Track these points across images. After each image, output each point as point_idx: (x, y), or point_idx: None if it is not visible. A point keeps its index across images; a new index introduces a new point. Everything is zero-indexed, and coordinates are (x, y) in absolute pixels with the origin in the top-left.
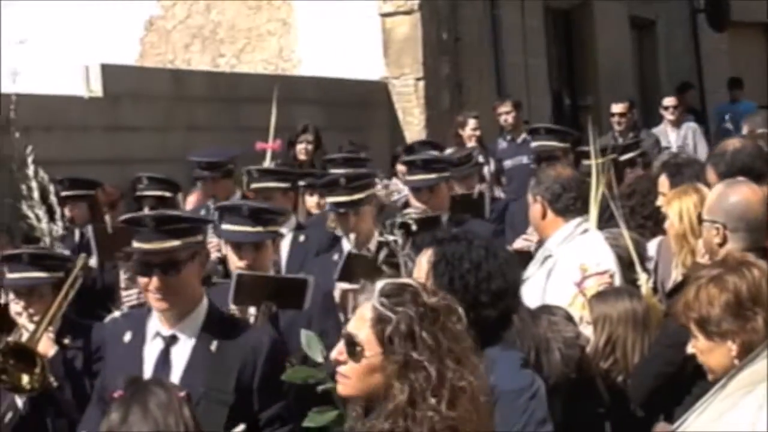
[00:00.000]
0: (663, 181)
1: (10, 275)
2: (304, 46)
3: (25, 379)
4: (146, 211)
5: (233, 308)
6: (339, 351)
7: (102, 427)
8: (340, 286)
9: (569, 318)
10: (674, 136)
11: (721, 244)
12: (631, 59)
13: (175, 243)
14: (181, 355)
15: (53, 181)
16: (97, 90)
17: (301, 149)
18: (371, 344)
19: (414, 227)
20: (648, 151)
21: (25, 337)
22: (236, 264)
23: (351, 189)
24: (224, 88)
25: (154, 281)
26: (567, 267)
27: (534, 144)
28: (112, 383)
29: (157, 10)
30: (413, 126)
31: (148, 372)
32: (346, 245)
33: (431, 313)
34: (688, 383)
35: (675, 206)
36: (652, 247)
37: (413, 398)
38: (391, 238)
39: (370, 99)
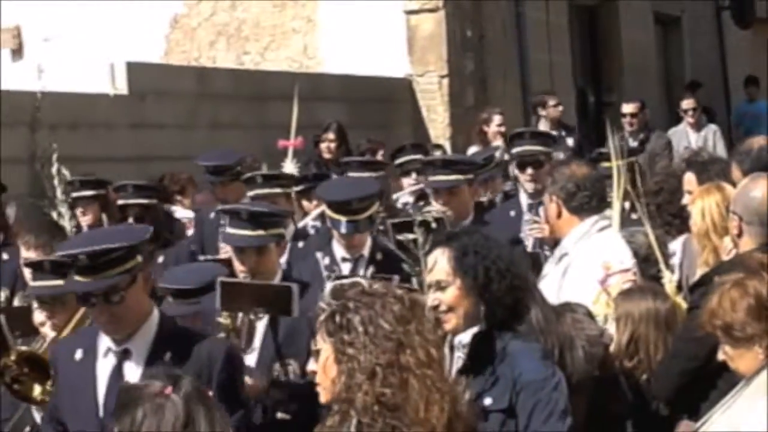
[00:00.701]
0: (690, 179)
1: (33, 283)
2: (329, 43)
3: (37, 390)
4: (130, 219)
5: (223, 314)
6: (311, 369)
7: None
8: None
9: (590, 315)
10: (695, 137)
11: (739, 236)
12: (655, 56)
13: (113, 272)
14: (135, 369)
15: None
16: (122, 87)
17: (325, 147)
18: (325, 347)
19: (434, 225)
20: (659, 153)
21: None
22: (239, 268)
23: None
24: (249, 85)
25: (97, 312)
26: (585, 265)
27: (517, 149)
28: (64, 402)
29: (182, 7)
30: (437, 123)
31: (101, 390)
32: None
33: (369, 297)
34: (713, 378)
35: (698, 205)
36: (677, 245)
37: (348, 383)
38: (410, 236)
39: (395, 96)
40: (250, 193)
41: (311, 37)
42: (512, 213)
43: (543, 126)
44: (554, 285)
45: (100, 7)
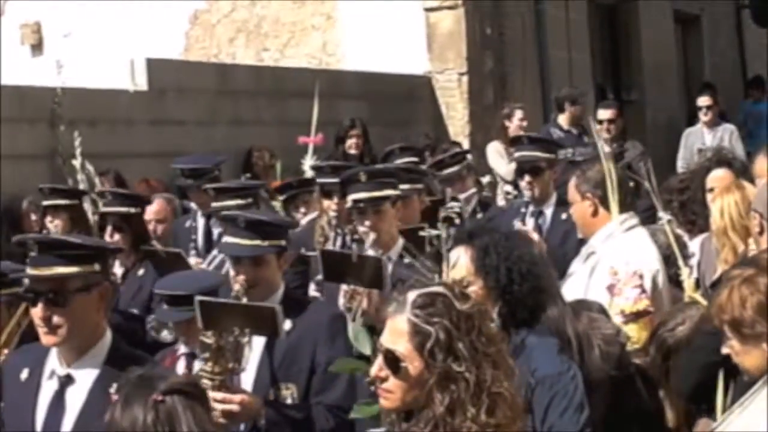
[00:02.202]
0: (714, 177)
1: None
2: (348, 40)
3: None
4: (109, 229)
5: (207, 334)
6: (379, 367)
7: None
8: (344, 288)
9: (605, 313)
10: (710, 137)
11: (760, 233)
12: (675, 54)
13: (63, 270)
14: (77, 398)
15: (99, 174)
16: (142, 84)
17: (352, 144)
18: (412, 358)
19: (457, 221)
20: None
21: None
22: (235, 280)
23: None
24: (269, 82)
25: (38, 311)
26: (612, 264)
27: (516, 154)
28: (8, 422)
29: (201, 4)
30: (456, 120)
31: (40, 416)
32: None
33: (466, 321)
34: (733, 372)
35: (717, 203)
36: (695, 245)
37: (453, 408)
38: (434, 232)
39: (414, 94)
40: (214, 204)
41: (331, 34)
42: (515, 222)
43: (562, 122)
44: (581, 284)
45: (120, 4)
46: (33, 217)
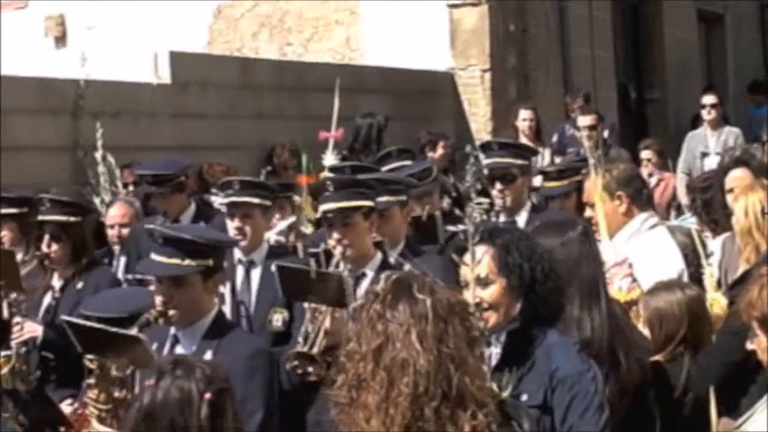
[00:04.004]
0: (733, 177)
1: None
2: (372, 36)
3: None
4: (46, 238)
5: (89, 357)
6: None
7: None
8: (305, 306)
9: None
10: (713, 141)
11: None
12: (698, 53)
13: None
14: None
15: (122, 167)
16: (165, 77)
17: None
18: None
19: (484, 217)
20: None
21: None
22: (155, 301)
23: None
24: (292, 76)
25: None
26: (637, 263)
27: (486, 161)
28: None
29: None
30: (479, 117)
31: None
32: None
33: None
34: (754, 373)
35: (741, 202)
36: (716, 245)
37: None
38: (461, 227)
39: (437, 90)
40: (224, 201)
41: (354, 30)
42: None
43: (581, 121)
44: None
45: None
46: None
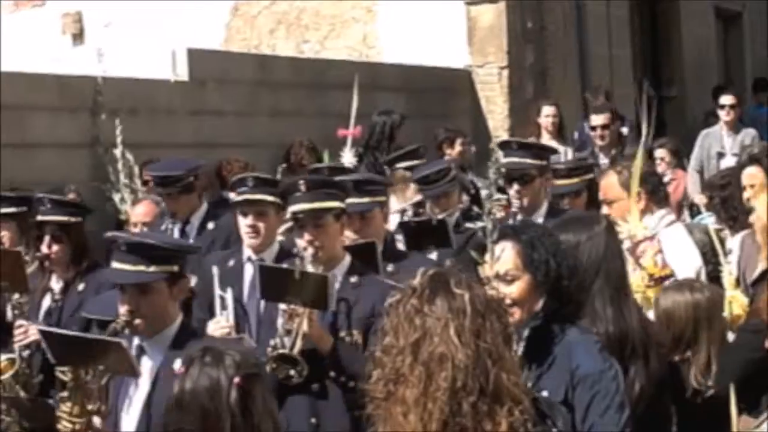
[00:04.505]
0: (747, 175)
1: None
2: (389, 33)
3: None
4: (47, 239)
5: (62, 369)
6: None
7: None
8: (282, 307)
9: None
10: (730, 141)
11: None
12: (716, 51)
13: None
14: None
15: (143, 164)
16: (182, 74)
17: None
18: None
19: (501, 214)
20: None
21: None
22: (119, 310)
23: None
24: (309, 73)
25: None
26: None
27: (504, 160)
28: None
29: None
30: (496, 115)
31: None
32: None
33: None
34: None
35: (761, 199)
36: (735, 243)
37: None
38: (479, 224)
39: (454, 87)
40: (237, 198)
41: (371, 27)
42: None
43: (594, 120)
44: None
45: None
46: None
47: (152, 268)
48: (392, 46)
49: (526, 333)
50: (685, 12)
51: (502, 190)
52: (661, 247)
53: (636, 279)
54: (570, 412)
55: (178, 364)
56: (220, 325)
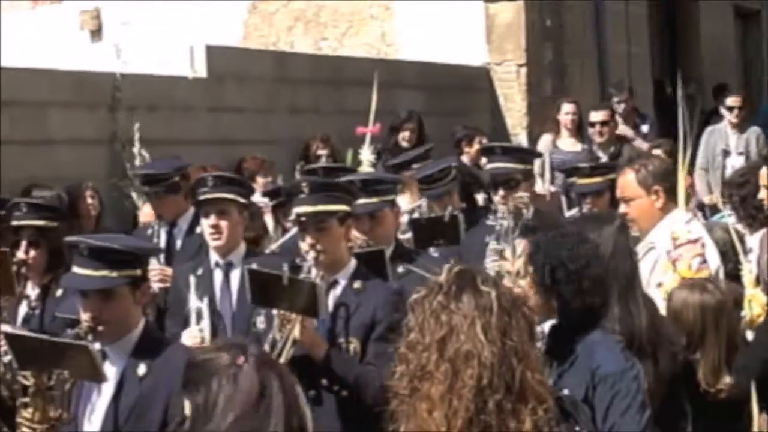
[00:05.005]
0: (763, 174)
1: None
2: (407, 31)
3: None
4: (23, 244)
5: (24, 374)
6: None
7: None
8: (274, 313)
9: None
10: (734, 139)
11: None
12: (734, 49)
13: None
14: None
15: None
16: (201, 71)
17: (404, 137)
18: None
19: (525, 211)
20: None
21: None
22: (81, 317)
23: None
24: (327, 70)
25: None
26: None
27: (489, 166)
28: None
29: None
30: (514, 112)
31: None
32: None
33: None
34: None
35: None
36: (754, 241)
37: None
38: (503, 222)
39: (472, 84)
40: (199, 198)
41: (389, 24)
42: (488, 239)
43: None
44: (642, 279)
45: None
46: (90, 201)
47: (115, 274)
48: (410, 44)
49: (546, 330)
50: (704, 10)
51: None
52: (702, 251)
53: (671, 282)
54: (591, 412)
55: (142, 369)
56: (192, 335)
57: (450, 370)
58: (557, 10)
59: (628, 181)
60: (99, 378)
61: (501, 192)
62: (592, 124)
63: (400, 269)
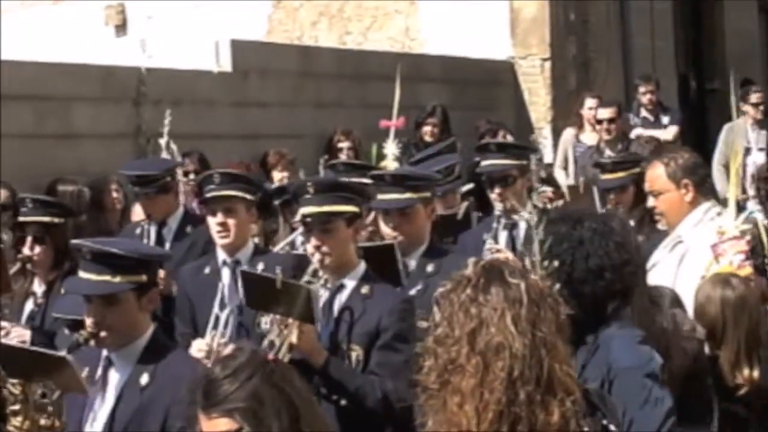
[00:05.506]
0: None
1: None
2: (431, 25)
3: None
4: (29, 240)
5: (13, 383)
6: None
7: None
8: (272, 317)
9: (678, 302)
10: (755, 136)
11: None
12: (759, 44)
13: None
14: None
15: (182, 155)
16: (226, 65)
17: (428, 131)
18: None
19: (549, 206)
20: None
21: None
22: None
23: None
24: (352, 65)
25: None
26: (704, 253)
27: (484, 163)
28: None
29: None
30: (539, 106)
31: None
32: None
33: None
34: None
35: None
36: None
37: None
38: (525, 216)
39: (496, 79)
40: (205, 196)
41: (413, 19)
42: (486, 236)
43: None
44: (669, 273)
45: None
46: (115, 195)
47: (118, 279)
48: (434, 38)
49: None
50: (728, 5)
51: (544, 181)
52: (747, 248)
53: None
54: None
55: (144, 379)
56: (199, 347)
57: (481, 363)
58: (581, 5)
59: (657, 174)
60: (82, 389)
61: (497, 189)
62: (599, 122)
63: (430, 268)
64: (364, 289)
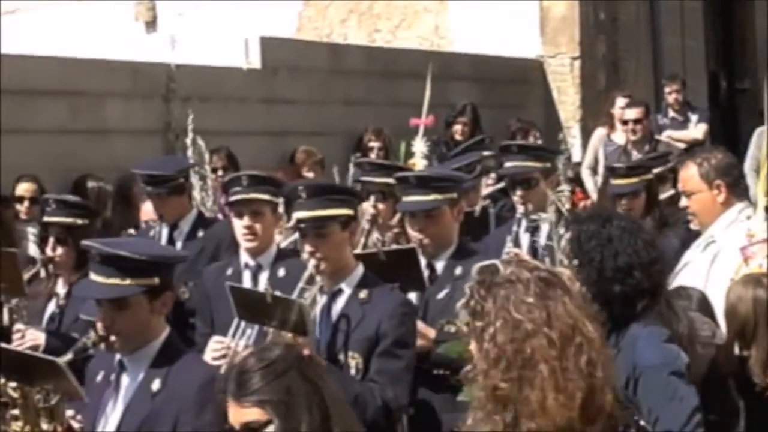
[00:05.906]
0: None
1: None
2: (460, 23)
3: None
4: (51, 241)
5: (12, 386)
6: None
7: None
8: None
9: (706, 302)
10: None
11: None
12: None
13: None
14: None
15: (211, 152)
16: (255, 62)
17: (458, 129)
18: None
19: (567, 206)
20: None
21: None
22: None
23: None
24: (381, 62)
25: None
26: (736, 253)
27: (506, 165)
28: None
29: None
30: (568, 105)
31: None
32: None
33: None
34: None
35: None
36: None
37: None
38: (543, 216)
39: (526, 77)
40: (231, 198)
41: (442, 17)
42: (508, 238)
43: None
44: (701, 273)
45: None
46: None
47: (127, 281)
48: (464, 37)
49: None
50: (759, 4)
51: (570, 180)
52: None
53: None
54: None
55: (156, 385)
56: (215, 341)
57: (557, 353)
58: (611, 4)
59: (690, 174)
60: (77, 395)
61: (519, 192)
62: (625, 122)
63: (458, 271)
64: (362, 294)
